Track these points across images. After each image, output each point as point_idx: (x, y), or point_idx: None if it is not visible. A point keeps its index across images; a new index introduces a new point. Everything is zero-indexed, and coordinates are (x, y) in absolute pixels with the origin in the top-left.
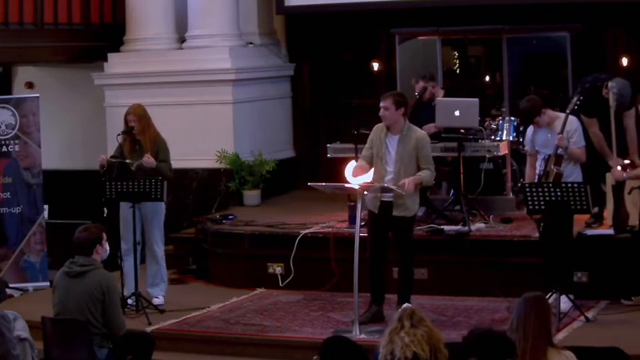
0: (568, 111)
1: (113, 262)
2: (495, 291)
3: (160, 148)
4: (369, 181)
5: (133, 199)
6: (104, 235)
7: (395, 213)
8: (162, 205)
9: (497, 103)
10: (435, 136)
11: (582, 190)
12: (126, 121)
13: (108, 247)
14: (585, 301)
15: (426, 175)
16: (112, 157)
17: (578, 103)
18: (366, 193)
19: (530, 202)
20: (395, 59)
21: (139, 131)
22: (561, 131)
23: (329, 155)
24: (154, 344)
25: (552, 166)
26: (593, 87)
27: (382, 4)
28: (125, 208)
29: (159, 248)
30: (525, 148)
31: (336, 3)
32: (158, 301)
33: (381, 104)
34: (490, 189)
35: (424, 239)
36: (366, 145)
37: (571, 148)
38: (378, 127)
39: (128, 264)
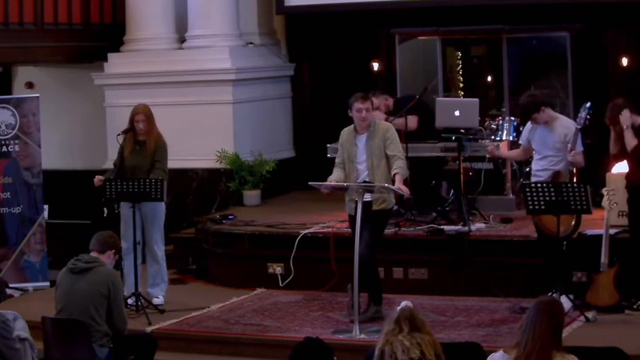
0: (579, 126)
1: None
2: (496, 291)
3: (157, 149)
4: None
5: (133, 199)
6: (119, 250)
7: (375, 207)
8: (162, 206)
9: (497, 103)
10: (435, 136)
11: (582, 190)
12: (132, 121)
13: (114, 261)
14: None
15: (403, 168)
16: (115, 162)
17: (588, 118)
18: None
19: (530, 202)
20: (395, 59)
21: (146, 131)
22: (572, 147)
23: (329, 155)
24: (157, 345)
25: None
26: None
27: (382, 4)
28: (126, 207)
29: (159, 248)
30: (520, 142)
31: (336, 3)
32: (158, 301)
33: (363, 106)
34: (490, 189)
35: (424, 239)
36: (338, 152)
37: (575, 157)
38: (346, 132)
39: (128, 264)
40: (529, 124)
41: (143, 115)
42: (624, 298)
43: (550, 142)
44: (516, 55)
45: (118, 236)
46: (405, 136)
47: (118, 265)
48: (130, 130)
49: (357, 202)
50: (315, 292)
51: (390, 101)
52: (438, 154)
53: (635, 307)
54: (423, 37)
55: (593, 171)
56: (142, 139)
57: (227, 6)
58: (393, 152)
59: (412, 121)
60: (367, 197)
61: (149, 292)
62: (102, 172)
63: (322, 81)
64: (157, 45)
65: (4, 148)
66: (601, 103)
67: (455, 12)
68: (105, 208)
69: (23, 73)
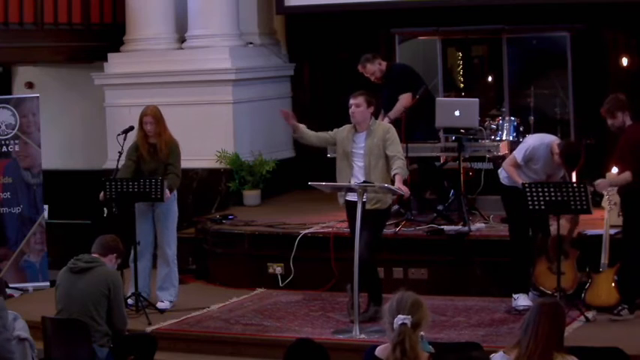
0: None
1: (123, 262)
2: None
3: (171, 153)
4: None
5: (133, 199)
6: (121, 253)
7: (368, 207)
8: (175, 207)
9: (497, 103)
10: (434, 136)
11: (582, 190)
12: (140, 122)
13: (116, 265)
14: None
15: (403, 168)
16: (124, 165)
17: None
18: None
19: (530, 202)
20: (395, 59)
21: (155, 134)
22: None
23: (329, 155)
24: (157, 345)
25: None
26: None
27: (382, 4)
28: (139, 207)
29: (170, 250)
30: (520, 161)
31: (336, 3)
32: (163, 305)
33: (353, 101)
34: (490, 189)
35: (424, 239)
36: (327, 132)
37: None
38: (346, 128)
39: (142, 264)
40: (533, 144)
41: (151, 117)
42: (624, 298)
43: None
44: (516, 55)
45: (121, 239)
46: (406, 137)
47: (120, 268)
48: (130, 130)
49: (354, 201)
50: (315, 292)
51: (384, 65)
52: (438, 154)
53: (615, 312)
54: (423, 37)
55: (593, 171)
56: (153, 142)
57: (227, 6)
58: (392, 153)
59: (407, 100)
60: (364, 197)
61: (158, 294)
62: (102, 172)
63: (322, 81)
64: (157, 45)
65: (4, 148)
66: (601, 104)
67: (455, 12)
68: (105, 208)
69: (23, 73)
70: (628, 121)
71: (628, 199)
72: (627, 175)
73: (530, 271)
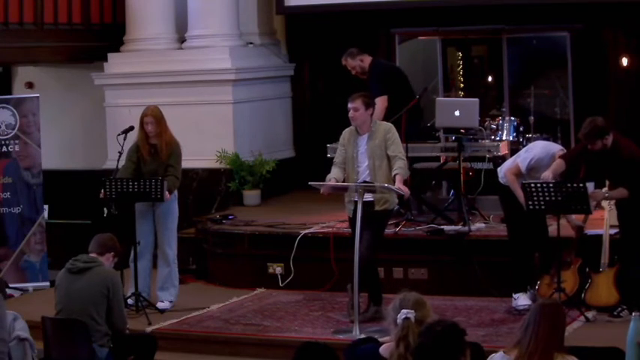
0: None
1: (123, 262)
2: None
3: (172, 154)
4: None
5: (133, 199)
6: (118, 252)
7: (377, 208)
8: (175, 207)
9: (497, 103)
10: (434, 136)
11: (582, 190)
12: (142, 123)
13: (113, 264)
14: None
15: (403, 168)
16: (123, 166)
17: None
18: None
19: (530, 202)
20: (395, 59)
21: (155, 134)
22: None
23: (329, 155)
24: (157, 345)
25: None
26: None
27: (382, 4)
28: (139, 207)
29: (171, 250)
30: (522, 168)
31: (336, 3)
32: (162, 305)
33: (351, 105)
34: (490, 189)
35: (424, 239)
36: (338, 152)
37: None
38: (347, 132)
39: (142, 264)
40: (539, 154)
41: (151, 117)
42: (624, 299)
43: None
44: (516, 55)
45: (119, 238)
46: (406, 138)
47: (118, 267)
48: (130, 130)
49: (356, 203)
50: (315, 292)
51: (366, 62)
52: (438, 154)
53: (615, 312)
54: (423, 37)
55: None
56: (154, 143)
57: (227, 6)
58: (394, 153)
59: (381, 103)
60: (369, 197)
61: (158, 295)
62: (102, 172)
63: (322, 81)
64: (157, 45)
65: (4, 148)
66: (601, 104)
67: (455, 12)
68: (105, 208)
69: (23, 73)
70: (610, 142)
71: (623, 205)
72: (623, 190)
73: (531, 270)
